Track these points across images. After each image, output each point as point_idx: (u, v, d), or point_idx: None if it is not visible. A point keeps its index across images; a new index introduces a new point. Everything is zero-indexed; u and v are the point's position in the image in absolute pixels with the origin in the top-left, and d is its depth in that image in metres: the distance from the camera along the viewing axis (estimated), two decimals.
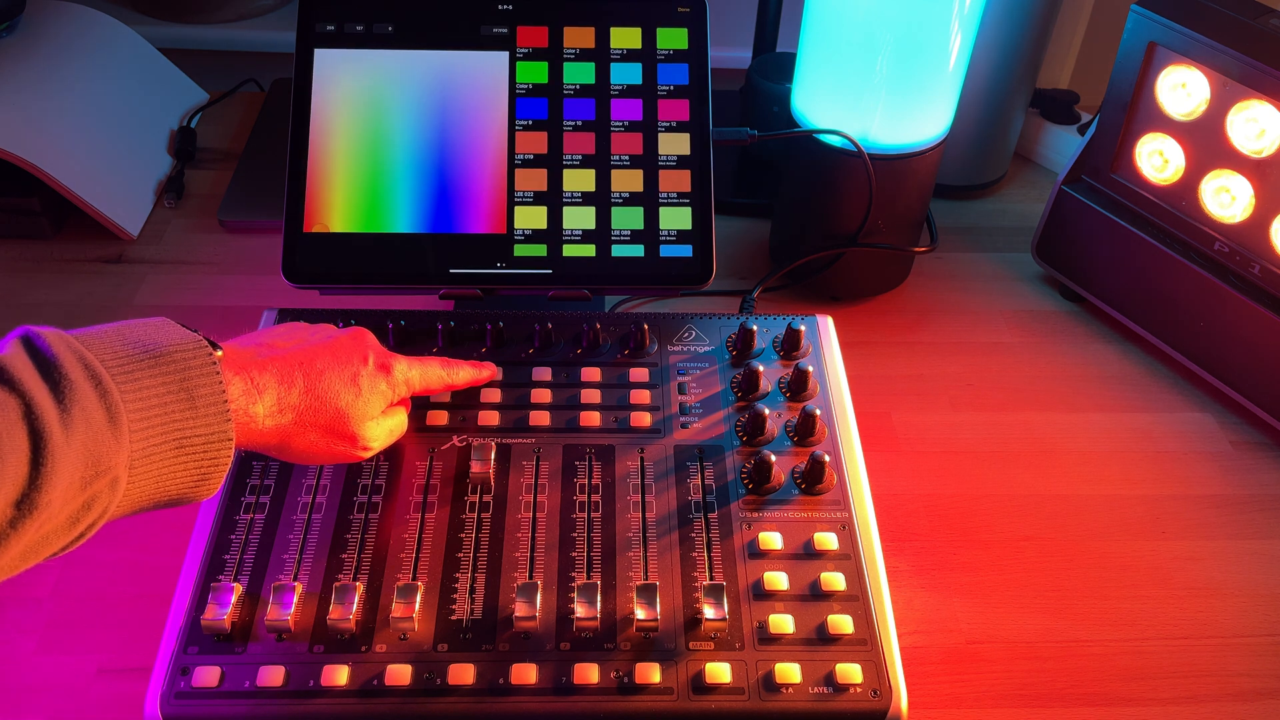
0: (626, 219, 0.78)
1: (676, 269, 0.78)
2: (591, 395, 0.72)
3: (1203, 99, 0.80)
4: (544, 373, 0.73)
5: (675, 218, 0.78)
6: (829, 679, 0.58)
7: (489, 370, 0.71)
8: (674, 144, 0.79)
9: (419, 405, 0.71)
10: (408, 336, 0.75)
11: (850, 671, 0.59)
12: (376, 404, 0.62)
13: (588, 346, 0.75)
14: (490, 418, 0.70)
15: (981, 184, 1.07)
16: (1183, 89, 0.81)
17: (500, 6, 0.81)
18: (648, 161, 0.79)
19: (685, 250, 0.78)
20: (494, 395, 0.72)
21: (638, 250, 0.78)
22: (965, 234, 1.03)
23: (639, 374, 0.74)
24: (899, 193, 0.87)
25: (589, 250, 0.78)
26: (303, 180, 0.77)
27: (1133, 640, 0.70)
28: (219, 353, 0.53)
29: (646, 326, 0.75)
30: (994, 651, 0.69)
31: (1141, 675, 0.68)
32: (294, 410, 0.57)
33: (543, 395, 0.72)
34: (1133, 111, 0.85)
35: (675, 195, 0.79)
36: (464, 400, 0.71)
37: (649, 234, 0.78)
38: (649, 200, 0.78)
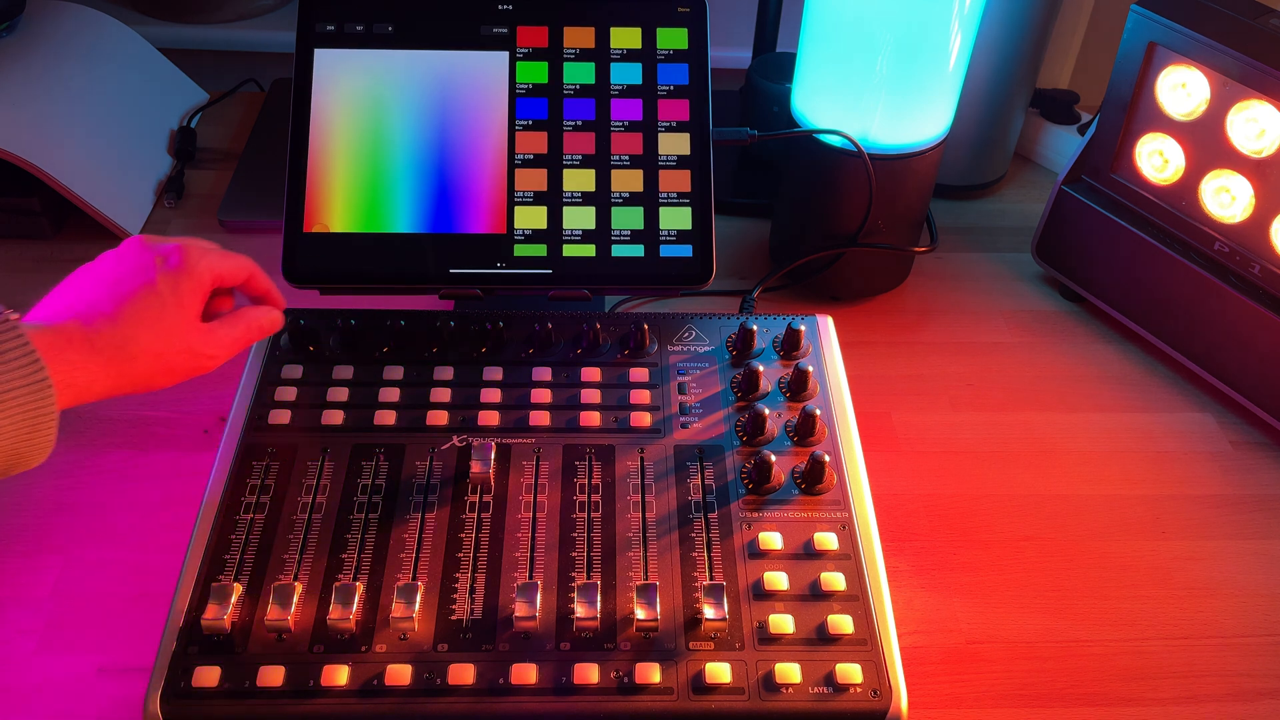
0: (626, 219, 0.78)
1: (676, 269, 0.78)
2: (591, 395, 0.72)
3: (1203, 99, 0.80)
4: (544, 373, 0.73)
5: (675, 218, 0.78)
6: (829, 679, 0.58)
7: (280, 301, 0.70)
8: (674, 144, 0.79)
9: (419, 405, 0.71)
10: (408, 336, 0.75)
11: (850, 671, 0.59)
12: (189, 304, 0.60)
13: (588, 346, 0.75)
14: (490, 418, 0.70)
15: (981, 184, 1.07)
16: (1183, 89, 0.81)
17: (500, 6, 0.81)
18: (648, 161, 0.79)
19: (685, 250, 0.78)
20: (494, 395, 0.72)
21: (638, 250, 0.78)
22: (965, 234, 1.03)
23: (639, 374, 0.74)
24: (899, 193, 0.87)
25: (589, 250, 0.78)
26: (303, 180, 0.77)
27: (1133, 640, 0.70)
28: (14, 315, 0.53)
29: (646, 326, 0.75)
30: (994, 651, 0.69)
31: (1141, 675, 0.68)
32: (112, 346, 0.57)
33: (543, 395, 0.72)
34: (1133, 111, 0.84)
35: (675, 195, 0.79)
36: (464, 400, 0.71)
37: (649, 234, 0.78)
38: (649, 200, 0.78)
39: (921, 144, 0.85)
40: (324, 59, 0.79)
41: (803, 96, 0.88)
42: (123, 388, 0.58)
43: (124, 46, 1.06)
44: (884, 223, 0.88)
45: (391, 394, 0.71)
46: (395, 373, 0.73)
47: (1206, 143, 0.81)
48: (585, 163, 0.79)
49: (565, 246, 0.77)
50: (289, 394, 0.71)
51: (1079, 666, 0.68)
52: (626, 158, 0.79)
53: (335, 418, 0.70)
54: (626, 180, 0.79)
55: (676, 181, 0.79)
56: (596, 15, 0.81)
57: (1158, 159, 0.85)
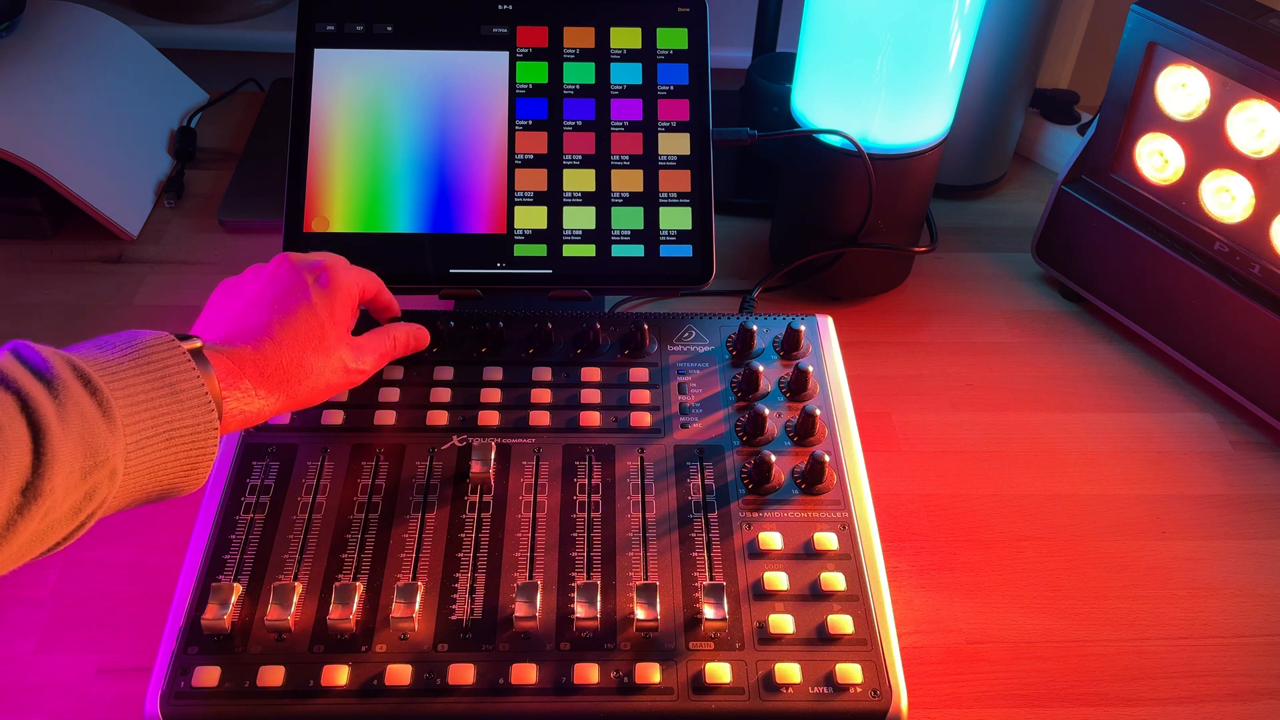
0: (626, 219, 0.78)
1: (676, 269, 0.78)
2: (591, 395, 0.72)
3: (1203, 99, 0.80)
4: (544, 373, 0.73)
5: (675, 218, 0.78)
6: (829, 679, 0.58)
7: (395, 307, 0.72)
8: (674, 144, 0.79)
9: (418, 405, 0.71)
10: None
11: (850, 671, 0.59)
12: (341, 318, 0.63)
13: (588, 346, 0.75)
14: (490, 418, 0.70)
15: (981, 184, 1.07)
16: (1183, 89, 0.81)
17: (500, 6, 0.81)
18: (648, 161, 0.79)
19: (685, 250, 0.78)
20: (494, 395, 0.72)
21: (638, 250, 0.78)
22: (965, 234, 1.03)
23: (639, 374, 0.74)
24: (899, 193, 0.87)
25: (589, 250, 0.78)
26: (302, 180, 0.77)
27: (1133, 640, 0.70)
28: (196, 343, 0.55)
29: (646, 326, 0.75)
30: (994, 651, 0.69)
31: (1141, 675, 0.68)
32: (280, 368, 0.59)
33: (543, 395, 0.72)
34: (1133, 111, 0.84)
35: (675, 195, 0.79)
36: (464, 400, 0.71)
37: (649, 234, 0.78)
38: (649, 200, 0.78)
39: (921, 144, 0.85)
40: (324, 59, 0.79)
41: (803, 96, 0.88)
42: (287, 407, 0.61)
43: (124, 46, 1.06)
44: (884, 223, 0.88)
45: (391, 394, 0.71)
46: (395, 373, 0.73)
47: (1206, 143, 0.81)
48: (585, 163, 0.79)
49: (565, 246, 0.77)
50: None
51: (1079, 666, 0.68)
52: (626, 158, 0.79)
53: (335, 418, 0.70)
54: (626, 180, 0.79)
55: (676, 181, 0.79)
56: (596, 15, 0.81)
57: (1158, 159, 0.85)
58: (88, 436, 0.48)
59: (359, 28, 0.80)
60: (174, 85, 1.11)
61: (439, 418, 0.70)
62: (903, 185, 0.87)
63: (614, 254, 0.77)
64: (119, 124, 1.01)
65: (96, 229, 0.96)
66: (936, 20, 0.79)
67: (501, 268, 0.77)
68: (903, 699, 0.58)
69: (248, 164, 1.04)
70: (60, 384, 0.48)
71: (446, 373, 0.73)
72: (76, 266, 0.94)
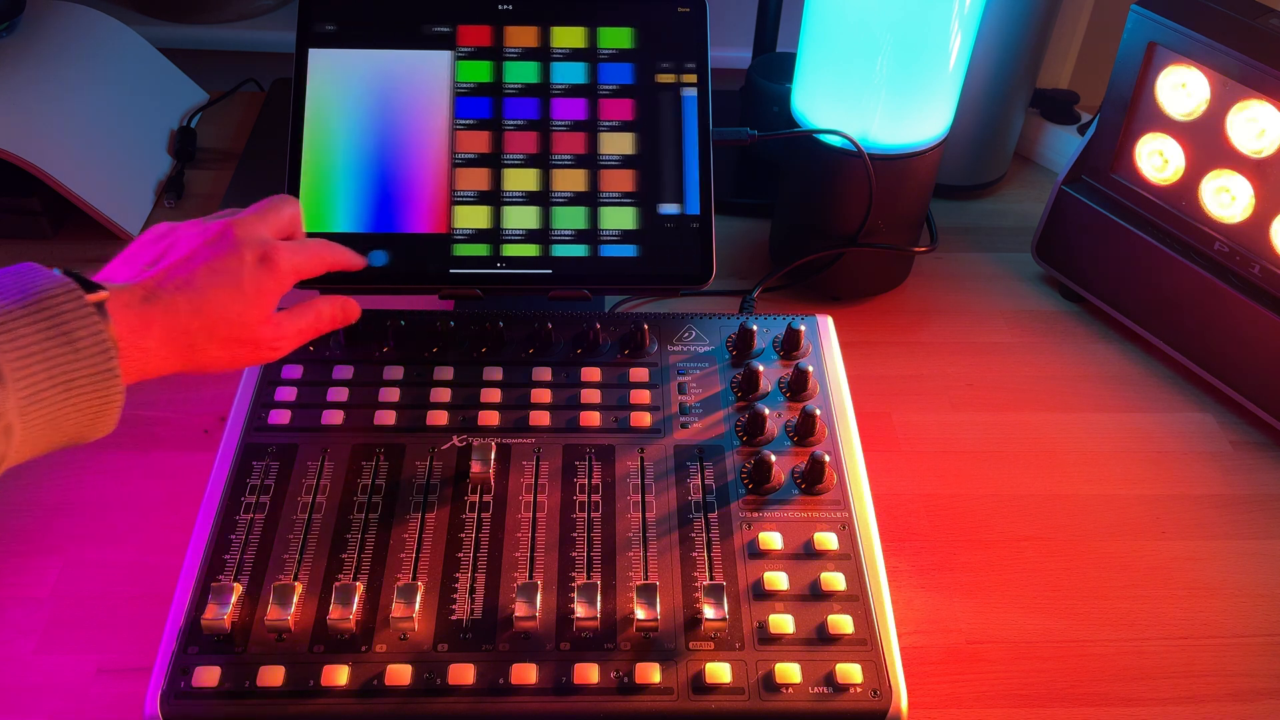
0: (626, 219, 0.78)
1: (676, 269, 0.78)
2: (591, 395, 0.72)
3: (1203, 99, 0.80)
4: (544, 373, 0.73)
5: (675, 217, 0.78)
6: (829, 679, 0.58)
7: (360, 260, 0.70)
8: (673, 143, 0.79)
9: (418, 405, 0.71)
10: (408, 336, 0.75)
11: (850, 671, 0.59)
12: (268, 302, 0.61)
13: (588, 346, 0.75)
14: (490, 418, 0.70)
15: (981, 184, 1.07)
16: (1183, 89, 0.81)
17: (500, 6, 0.81)
18: (646, 161, 0.79)
19: (685, 250, 0.78)
20: (494, 395, 0.72)
21: (637, 250, 0.78)
22: (965, 234, 1.03)
23: (639, 374, 0.74)
24: (899, 193, 0.87)
25: (589, 250, 0.78)
26: (298, 181, 0.77)
27: (1133, 640, 0.70)
28: (103, 292, 0.53)
29: (646, 326, 0.75)
30: (994, 651, 0.69)
31: (1141, 675, 0.68)
32: (187, 334, 0.57)
33: (543, 395, 0.72)
34: (1133, 111, 0.84)
35: (674, 195, 0.78)
36: (464, 400, 0.71)
37: (649, 234, 0.78)
38: (648, 200, 0.78)
39: (921, 144, 0.85)
40: (320, 59, 0.79)
41: (803, 96, 0.88)
42: (184, 369, 0.58)
43: (124, 46, 1.06)
44: (884, 223, 0.88)
45: (391, 394, 0.71)
46: (395, 373, 0.73)
47: (1206, 143, 0.81)
48: (579, 163, 0.79)
49: (565, 247, 0.77)
50: (289, 394, 0.71)
51: (1079, 666, 0.68)
52: (622, 157, 0.79)
53: (335, 418, 0.70)
54: (625, 180, 0.79)
55: (676, 181, 0.79)
56: (593, 15, 0.81)
57: (1158, 159, 0.85)
58: None
59: (359, 28, 0.80)
60: (174, 85, 1.11)
61: (439, 418, 0.70)
62: (903, 185, 0.87)
63: (614, 254, 0.77)
64: (119, 124, 1.01)
65: (96, 229, 0.96)
66: (936, 20, 0.79)
67: (501, 268, 0.77)
68: (903, 699, 0.58)
69: (248, 164, 1.04)
70: None
71: (446, 373, 0.73)
72: (76, 266, 0.94)
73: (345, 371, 0.73)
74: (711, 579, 0.63)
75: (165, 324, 0.56)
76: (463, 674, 0.58)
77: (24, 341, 0.49)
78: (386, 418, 0.70)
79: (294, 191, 0.77)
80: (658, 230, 0.78)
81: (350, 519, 0.65)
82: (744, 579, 0.63)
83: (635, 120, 0.79)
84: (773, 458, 0.67)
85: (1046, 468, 0.81)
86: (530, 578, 0.62)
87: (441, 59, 0.80)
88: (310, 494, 0.66)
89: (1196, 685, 0.68)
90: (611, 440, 0.70)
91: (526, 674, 0.58)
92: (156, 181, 1.02)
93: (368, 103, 0.79)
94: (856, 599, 0.62)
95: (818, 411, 0.70)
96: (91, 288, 0.53)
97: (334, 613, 0.59)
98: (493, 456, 0.67)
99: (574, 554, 0.64)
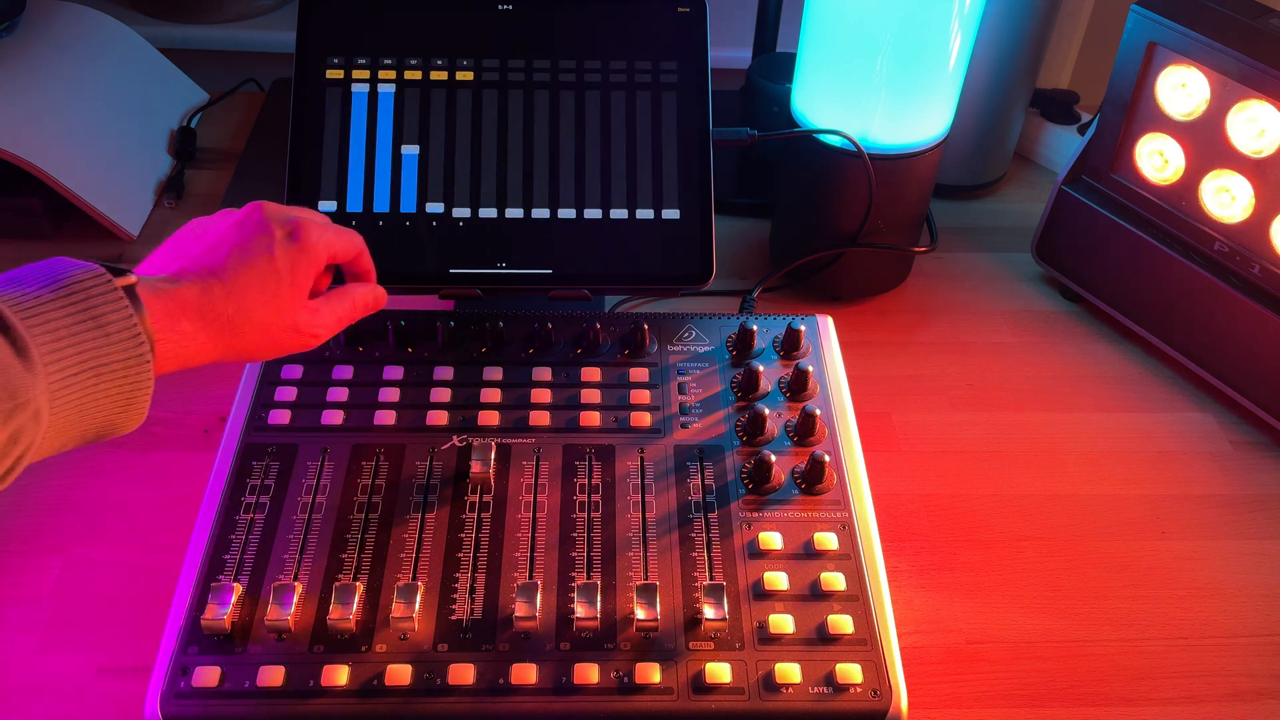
0: (626, 218, 0.78)
1: (677, 269, 0.78)
2: (591, 395, 0.72)
3: (1203, 99, 0.80)
4: (544, 373, 0.73)
5: (675, 217, 0.78)
6: (829, 679, 0.58)
7: (383, 295, 0.69)
8: (674, 143, 0.79)
9: (418, 405, 0.71)
10: (408, 336, 0.75)
11: (850, 671, 0.59)
12: (302, 280, 0.60)
13: (588, 346, 0.75)
14: (490, 418, 0.70)
15: (981, 184, 1.07)
16: (1183, 89, 0.81)
17: (500, 6, 0.81)
18: (648, 161, 0.79)
19: (686, 250, 0.78)
20: (494, 395, 0.72)
21: (637, 250, 0.78)
22: (965, 234, 1.03)
23: (639, 374, 0.74)
24: (899, 193, 0.87)
25: (589, 250, 0.77)
26: (298, 181, 0.77)
27: (1133, 640, 0.70)
28: (132, 279, 0.53)
29: (646, 326, 0.75)
30: (994, 651, 0.69)
31: (1141, 675, 0.68)
32: (223, 317, 0.56)
33: (543, 395, 0.72)
34: (1133, 111, 0.84)
35: (676, 195, 0.78)
36: (464, 400, 0.71)
37: (649, 234, 0.78)
38: (649, 200, 0.78)
39: (921, 144, 0.85)
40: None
41: (803, 96, 0.88)
42: (225, 356, 0.58)
43: (124, 46, 1.06)
44: (884, 223, 0.88)
45: (391, 394, 0.71)
46: (395, 373, 0.73)
47: (1206, 143, 0.81)
48: (578, 162, 0.79)
49: (565, 246, 0.77)
50: (289, 394, 0.71)
51: (1079, 666, 0.68)
52: (627, 158, 0.79)
53: (335, 418, 0.70)
54: (625, 180, 0.79)
55: (677, 181, 0.79)
56: (593, 15, 0.81)
57: (1158, 159, 0.85)
58: (2, 378, 0.46)
59: (357, 27, 0.80)
60: (174, 85, 1.11)
61: (439, 418, 0.70)
62: (903, 185, 0.87)
63: (614, 254, 0.77)
64: (119, 124, 1.01)
65: (96, 229, 0.96)
66: (936, 20, 0.79)
67: (502, 268, 0.77)
68: (903, 699, 0.58)
69: (248, 164, 1.04)
70: None
71: (446, 373, 0.73)
72: None
73: (345, 371, 0.73)
74: (711, 579, 0.63)
75: (199, 307, 0.56)
76: (463, 674, 0.58)
77: (54, 325, 0.49)
78: (386, 418, 0.70)
79: (294, 191, 0.77)
80: (658, 230, 0.78)
81: (350, 519, 0.65)
82: (744, 579, 0.63)
83: (635, 120, 0.79)
84: (773, 458, 0.67)
85: (1046, 468, 0.81)
86: (530, 578, 0.62)
87: (442, 59, 0.80)
88: (310, 494, 0.66)
89: (1197, 685, 0.68)
90: (611, 440, 0.70)
91: (526, 674, 0.58)
92: (156, 181, 1.02)
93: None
94: (856, 599, 0.62)
95: (818, 411, 0.70)
96: (120, 274, 0.52)
97: (334, 613, 0.59)
98: (493, 456, 0.67)
99: (574, 554, 0.64)
